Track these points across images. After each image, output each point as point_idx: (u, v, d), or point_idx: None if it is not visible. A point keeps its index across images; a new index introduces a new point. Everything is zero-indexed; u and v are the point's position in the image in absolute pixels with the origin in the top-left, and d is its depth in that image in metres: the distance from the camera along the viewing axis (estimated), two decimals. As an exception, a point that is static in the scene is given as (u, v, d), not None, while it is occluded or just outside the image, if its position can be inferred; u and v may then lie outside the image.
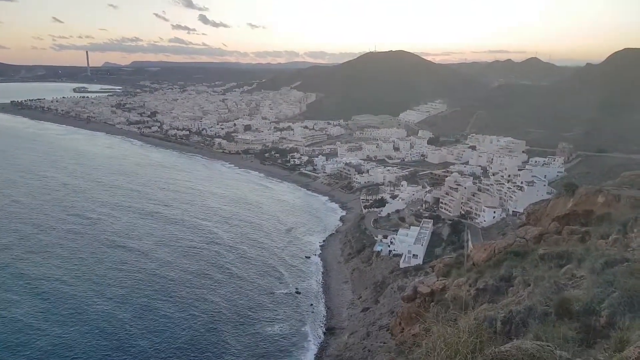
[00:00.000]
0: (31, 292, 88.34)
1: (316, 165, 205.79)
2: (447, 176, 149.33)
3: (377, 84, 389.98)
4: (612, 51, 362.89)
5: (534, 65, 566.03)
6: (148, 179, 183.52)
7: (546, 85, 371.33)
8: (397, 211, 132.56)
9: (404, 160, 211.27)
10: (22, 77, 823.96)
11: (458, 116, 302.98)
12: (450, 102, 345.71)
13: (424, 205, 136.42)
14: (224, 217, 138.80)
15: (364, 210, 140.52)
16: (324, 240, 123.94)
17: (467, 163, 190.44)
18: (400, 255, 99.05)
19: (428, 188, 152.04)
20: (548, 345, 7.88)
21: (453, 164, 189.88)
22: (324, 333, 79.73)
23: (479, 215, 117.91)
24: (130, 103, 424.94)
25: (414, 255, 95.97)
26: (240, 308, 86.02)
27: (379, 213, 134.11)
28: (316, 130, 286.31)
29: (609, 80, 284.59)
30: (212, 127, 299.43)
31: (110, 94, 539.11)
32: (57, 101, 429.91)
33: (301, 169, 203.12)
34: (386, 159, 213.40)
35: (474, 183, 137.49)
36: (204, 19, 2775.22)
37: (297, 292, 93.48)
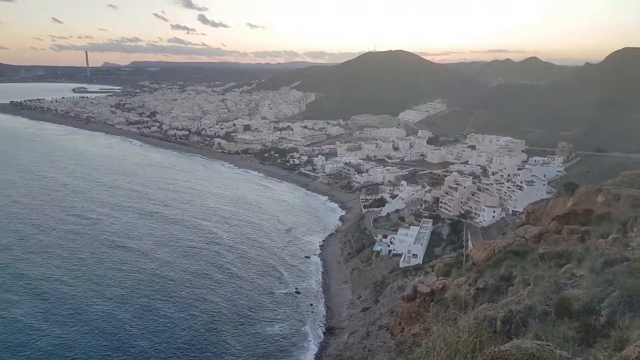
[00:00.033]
0: (31, 293, 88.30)
1: (316, 165, 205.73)
2: (446, 176, 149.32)
3: (377, 83, 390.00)
4: (612, 51, 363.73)
5: (533, 64, 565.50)
6: (148, 179, 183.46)
7: (545, 85, 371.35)
8: (397, 211, 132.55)
9: (403, 159, 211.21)
10: (22, 78, 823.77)
11: (457, 116, 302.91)
12: (449, 101, 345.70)
13: (423, 205, 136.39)
14: (223, 217, 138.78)
15: (364, 210, 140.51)
16: (323, 240, 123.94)
17: (466, 163, 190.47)
18: (400, 255, 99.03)
19: (428, 188, 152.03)
20: (548, 345, 7.89)
21: (452, 163, 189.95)
22: (324, 333, 79.73)
23: (479, 214, 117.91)
24: (129, 103, 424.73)
25: (413, 254, 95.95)
26: (240, 308, 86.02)
27: (379, 213, 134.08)
28: (316, 130, 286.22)
29: (608, 80, 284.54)
30: (211, 127, 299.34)
31: (109, 94, 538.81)
32: (56, 101, 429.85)
33: (301, 169, 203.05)
34: (386, 158, 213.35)
35: (474, 182, 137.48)
36: (203, 19, 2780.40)
37: (297, 292, 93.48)
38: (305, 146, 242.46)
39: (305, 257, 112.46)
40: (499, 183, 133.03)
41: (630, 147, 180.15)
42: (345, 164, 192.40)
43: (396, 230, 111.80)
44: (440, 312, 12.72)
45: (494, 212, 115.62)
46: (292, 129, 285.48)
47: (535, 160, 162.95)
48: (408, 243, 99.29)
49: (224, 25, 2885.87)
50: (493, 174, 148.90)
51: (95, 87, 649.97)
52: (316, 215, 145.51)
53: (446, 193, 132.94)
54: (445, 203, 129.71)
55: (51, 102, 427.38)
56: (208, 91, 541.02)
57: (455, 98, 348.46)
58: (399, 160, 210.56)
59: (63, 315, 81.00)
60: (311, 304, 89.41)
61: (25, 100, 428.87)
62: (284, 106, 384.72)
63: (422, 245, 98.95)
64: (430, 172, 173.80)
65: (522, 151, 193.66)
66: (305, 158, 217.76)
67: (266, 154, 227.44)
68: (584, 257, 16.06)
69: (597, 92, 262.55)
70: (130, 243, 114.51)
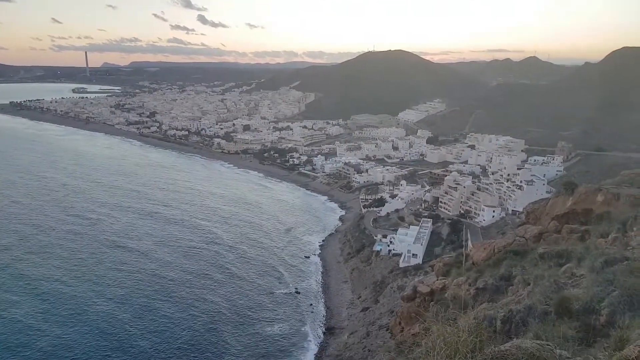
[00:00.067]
0: (31, 293, 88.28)
1: (315, 164, 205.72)
2: (446, 175, 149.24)
3: (376, 83, 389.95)
4: (611, 50, 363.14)
5: (532, 64, 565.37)
6: (147, 179, 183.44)
7: (545, 84, 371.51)
8: (397, 210, 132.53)
9: (403, 159, 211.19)
10: (21, 78, 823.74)
11: (457, 115, 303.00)
12: (449, 101, 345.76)
13: (423, 205, 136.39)
14: (223, 217, 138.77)
15: (363, 210, 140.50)
16: (323, 240, 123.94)
17: (466, 162, 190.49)
18: (399, 255, 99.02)
19: (427, 187, 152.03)
20: (548, 345, 7.89)
21: (452, 163, 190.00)
22: (324, 333, 79.74)
23: (479, 214, 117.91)
24: (129, 103, 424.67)
25: (413, 254, 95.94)
26: (240, 308, 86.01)
27: (378, 212, 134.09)
28: (315, 130, 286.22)
29: (608, 79, 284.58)
30: (211, 127, 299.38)
31: (109, 94, 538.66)
32: (56, 102, 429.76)
33: (300, 169, 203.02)
34: (385, 158, 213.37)
35: (473, 182, 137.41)
36: (202, 19, 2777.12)
37: (297, 292, 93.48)
38: (304, 146, 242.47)
39: (305, 257, 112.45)
40: (499, 183, 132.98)
41: (630, 146, 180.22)
42: (345, 163, 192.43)
43: (396, 230, 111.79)
44: (440, 312, 12.72)
45: (493, 211, 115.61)
46: (291, 129, 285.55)
47: (535, 160, 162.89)
48: (408, 243, 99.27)
49: (224, 26, 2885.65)
50: (493, 174, 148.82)
51: (95, 88, 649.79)
52: (316, 215, 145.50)
53: (446, 193, 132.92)
54: (444, 203, 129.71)
55: (51, 102, 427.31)
56: (207, 91, 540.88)
57: (454, 98, 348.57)
58: (398, 160, 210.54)
59: (63, 315, 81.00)
60: (311, 304, 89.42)
61: (24, 101, 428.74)
62: (284, 106, 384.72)
63: (421, 245, 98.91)
64: (430, 172, 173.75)
65: (522, 151, 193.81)
66: (304, 158, 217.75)
67: (266, 154, 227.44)
68: (583, 256, 16.06)
69: (596, 92, 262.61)
70: (130, 243, 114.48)
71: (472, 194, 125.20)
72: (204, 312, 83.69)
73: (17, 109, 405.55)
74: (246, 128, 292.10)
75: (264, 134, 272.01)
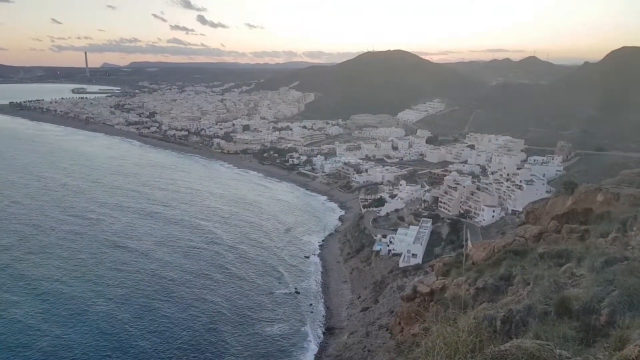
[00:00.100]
0: (31, 293, 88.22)
1: (315, 164, 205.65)
2: (446, 175, 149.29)
3: (376, 83, 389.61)
4: (610, 50, 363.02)
5: (532, 64, 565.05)
6: (147, 179, 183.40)
7: (544, 84, 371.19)
8: (396, 210, 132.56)
9: (402, 159, 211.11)
10: (21, 78, 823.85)
11: (456, 115, 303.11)
12: (448, 101, 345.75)
13: (423, 205, 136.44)
14: (223, 217, 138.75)
15: (363, 210, 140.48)
16: (323, 240, 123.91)
17: (465, 162, 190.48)
18: (399, 255, 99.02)
19: (427, 187, 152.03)
20: (548, 344, 7.88)
21: (452, 163, 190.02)
22: (324, 333, 79.72)
23: (478, 214, 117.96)
24: (129, 104, 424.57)
25: (413, 254, 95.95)
26: (240, 308, 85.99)
27: (378, 212, 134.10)
28: (315, 130, 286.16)
29: (607, 79, 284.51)
30: (210, 127, 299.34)
31: (109, 94, 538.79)
32: (56, 102, 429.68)
33: (300, 169, 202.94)
34: (385, 158, 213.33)
35: (473, 182, 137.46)
36: (202, 20, 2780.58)
37: (297, 292, 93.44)
38: (304, 146, 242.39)
39: (305, 257, 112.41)
40: (498, 182, 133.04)
41: (630, 145, 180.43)
42: (345, 163, 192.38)
43: (395, 230, 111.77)
44: (440, 312, 12.73)
45: (493, 211, 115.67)
46: (291, 129, 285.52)
47: (535, 160, 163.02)
48: (407, 243, 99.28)
49: (223, 26, 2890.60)
50: (492, 174, 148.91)
51: (95, 88, 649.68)
52: (315, 215, 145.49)
53: (445, 192, 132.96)
54: (444, 202, 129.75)
55: (50, 102, 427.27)
56: (207, 91, 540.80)
57: (454, 97, 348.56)
58: (398, 159, 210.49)
59: (63, 315, 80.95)
60: (311, 304, 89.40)
61: (24, 101, 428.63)
62: (283, 106, 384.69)
63: (421, 244, 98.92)
64: (430, 172, 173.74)
65: (522, 150, 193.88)
66: (304, 158, 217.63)
67: (265, 154, 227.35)
68: (583, 256, 16.05)
69: (596, 91, 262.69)
70: (130, 243, 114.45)
71: (472, 194, 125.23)
72: (203, 312, 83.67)
73: (17, 109, 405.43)
74: (246, 128, 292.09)
75: (263, 134, 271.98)
